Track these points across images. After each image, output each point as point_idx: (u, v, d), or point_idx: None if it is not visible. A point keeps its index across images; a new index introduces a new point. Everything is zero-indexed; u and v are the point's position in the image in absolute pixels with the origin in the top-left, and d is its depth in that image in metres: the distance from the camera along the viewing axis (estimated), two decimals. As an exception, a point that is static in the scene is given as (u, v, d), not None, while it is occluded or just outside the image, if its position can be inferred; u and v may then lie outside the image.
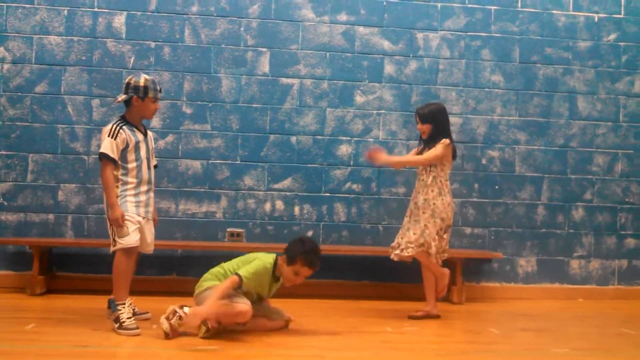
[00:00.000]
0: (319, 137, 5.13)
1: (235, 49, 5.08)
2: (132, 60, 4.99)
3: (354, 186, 5.14)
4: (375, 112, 5.18)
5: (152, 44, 5.02)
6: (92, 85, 4.95)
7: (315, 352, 3.12)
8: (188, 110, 5.03)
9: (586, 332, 3.94)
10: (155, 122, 4.93)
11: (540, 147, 5.33)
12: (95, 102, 4.95)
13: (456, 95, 5.26)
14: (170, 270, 4.96)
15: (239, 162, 5.06)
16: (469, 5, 5.28)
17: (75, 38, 4.96)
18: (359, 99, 5.18)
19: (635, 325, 4.17)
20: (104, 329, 3.44)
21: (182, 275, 4.95)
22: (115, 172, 3.53)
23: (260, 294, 3.60)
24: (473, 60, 5.29)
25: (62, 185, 4.90)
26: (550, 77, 5.36)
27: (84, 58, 4.96)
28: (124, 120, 3.63)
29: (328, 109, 5.15)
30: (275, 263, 3.53)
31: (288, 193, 5.07)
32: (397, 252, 4.06)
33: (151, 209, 3.69)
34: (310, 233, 5.03)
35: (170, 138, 5.00)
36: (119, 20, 4.99)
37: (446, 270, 4.13)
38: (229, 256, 4.90)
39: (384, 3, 5.21)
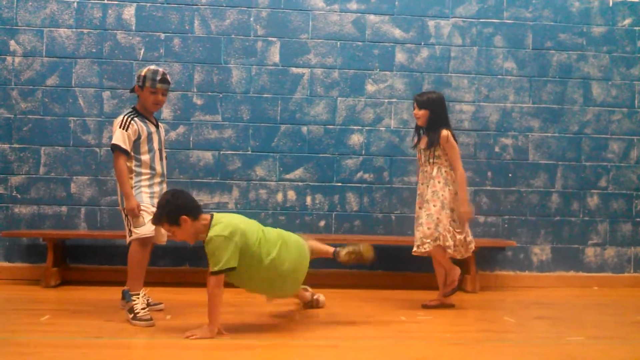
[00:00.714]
0: (330, 126, 5.11)
1: (245, 39, 5.06)
2: (142, 52, 4.98)
3: (366, 175, 5.12)
4: (386, 100, 5.15)
5: (162, 35, 5.01)
6: (103, 77, 4.95)
7: (332, 342, 3.11)
8: (199, 101, 5.02)
9: (601, 321, 3.90)
10: (166, 113, 4.93)
11: (554, 134, 5.27)
12: (106, 94, 4.95)
13: (468, 83, 5.21)
14: (182, 261, 4.97)
15: (250, 152, 5.05)
16: (481, -8, 5.23)
17: (85, 30, 4.96)
18: (370, 87, 5.14)
19: (651, 313, 4.14)
20: (118, 320, 3.45)
21: (195, 266, 4.96)
22: (128, 164, 3.54)
23: None
24: (485, 47, 5.23)
25: (74, 177, 4.92)
26: (564, 63, 5.29)
27: (94, 50, 4.96)
28: (135, 111, 3.64)
29: (339, 98, 5.12)
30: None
31: (300, 183, 5.06)
32: (415, 248, 4.04)
33: None
34: (322, 223, 5.02)
35: (181, 129, 4.99)
36: (129, 12, 4.98)
37: (457, 269, 4.10)
38: (241, 247, 4.94)
39: (395, -10, 5.18)
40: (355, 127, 5.13)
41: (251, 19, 5.07)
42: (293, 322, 3.56)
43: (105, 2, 4.97)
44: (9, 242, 4.88)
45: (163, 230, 3.68)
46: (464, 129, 5.17)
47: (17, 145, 4.89)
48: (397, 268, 5.03)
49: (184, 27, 5.02)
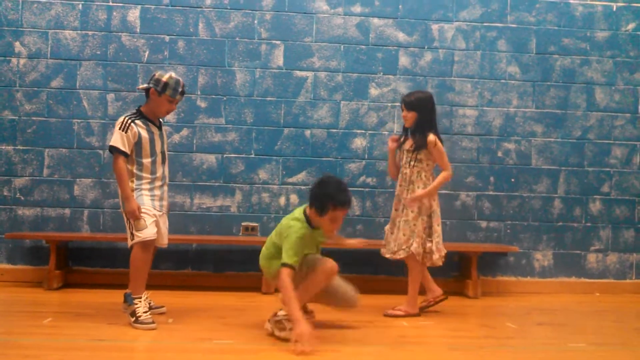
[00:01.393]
0: (334, 130, 5.11)
1: (249, 42, 5.07)
2: (146, 55, 5.00)
3: (369, 180, 5.12)
4: (390, 104, 5.15)
5: (167, 38, 5.02)
6: (107, 79, 4.97)
7: (333, 347, 3.11)
8: (202, 104, 5.03)
9: (603, 327, 3.90)
10: (170, 116, 4.93)
11: (557, 139, 5.27)
12: (111, 96, 4.96)
13: (472, 87, 5.21)
14: (185, 264, 4.98)
15: (253, 156, 5.06)
16: (485, -4, 5.24)
17: (90, 32, 4.97)
18: (374, 91, 5.15)
19: (654, 319, 4.14)
20: (120, 323, 3.46)
21: (197, 269, 4.97)
22: (130, 167, 3.51)
23: (309, 252, 3.41)
24: (489, 52, 5.23)
25: (78, 179, 4.93)
26: (567, 68, 5.29)
27: (98, 52, 4.98)
28: (139, 113, 3.60)
29: (342, 101, 5.13)
30: (307, 217, 3.35)
31: (302, 187, 5.06)
32: (389, 254, 4.04)
33: (165, 202, 3.69)
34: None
35: (184, 132, 5.00)
36: (134, 14, 5.00)
37: (438, 290, 4.14)
38: (243, 250, 4.96)
39: (399, -5, 5.18)
40: (358, 131, 5.14)
41: (255, 21, 5.08)
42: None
43: (110, 4, 4.98)
44: (11, 244, 4.89)
45: (164, 233, 3.69)
46: (467, 134, 5.17)
47: (21, 147, 4.91)
48: (398, 273, 5.02)
49: (189, 29, 5.03)
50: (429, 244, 3.94)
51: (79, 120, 4.94)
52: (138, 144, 3.52)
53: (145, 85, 3.61)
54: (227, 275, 4.98)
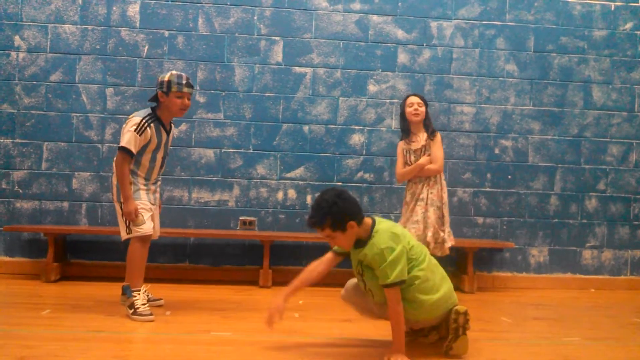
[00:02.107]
0: (332, 126, 5.14)
1: (249, 37, 5.09)
2: (145, 49, 5.01)
3: (366, 175, 5.14)
4: (388, 101, 5.18)
5: (166, 33, 5.03)
6: (106, 74, 4.98)
7: (331, 340, 3.14)
8: (201, 99, 5.05)
9: (598, 322, 3.92)
10: (169, 110, 4.95)
11: (554, 136, 5.30)
12: (110, 90, 4.98)
13: (470, 85, 5.24)
14: (182, 258, 5.00)
15: (251, 151, 5.07)
16: (483, -6, 5.26)
17: (89, 27, 4.99)
18: (372, 88, 5.17)
19: (648, 315, 4.16)
20: (118, 314, 3.48)
21: (195, 263, 4.99)
22: (129, 165, 3.53)
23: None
24: (487, 49, 5.26)
25: (76, 173, 4.95)
26: (565, 67, 5.32)
27: (98, 47, 4.99)
28: (155, 116, 3.55)
29: (341, 98, 5.15)
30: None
31: (300, 182, 5.09)
32: (440, 252, 4.04)
33: (157, 195, 3.73)
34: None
35: (183, 127, 5.02)
36: (133, 9, 5.01)
37: None
38: (241, 244, 4.98)
39: (398, -9, 5.20)
40: (356, 127, 5.16)
41: (255, 17, 5.10)
42: (293, 320, 3.58)
43: (110, -1, 5.00)
44: (10, 236, 4.90)
45: (157, 226, 3.71)
46: (464, 131, 5.20)
47: (20, 141, 4.92)
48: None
49: (188, 25, 5.05)
50: (441, 234, 4.02)
51: (77, 114, 4.96)
52: (145, 146, 3.52)
53: (152, 96, 3.59)
54: (224, 268, 5.00)
